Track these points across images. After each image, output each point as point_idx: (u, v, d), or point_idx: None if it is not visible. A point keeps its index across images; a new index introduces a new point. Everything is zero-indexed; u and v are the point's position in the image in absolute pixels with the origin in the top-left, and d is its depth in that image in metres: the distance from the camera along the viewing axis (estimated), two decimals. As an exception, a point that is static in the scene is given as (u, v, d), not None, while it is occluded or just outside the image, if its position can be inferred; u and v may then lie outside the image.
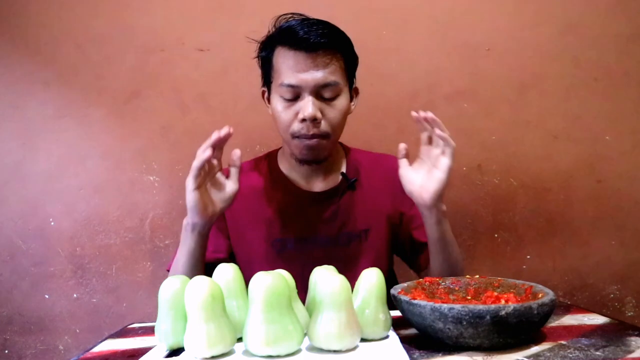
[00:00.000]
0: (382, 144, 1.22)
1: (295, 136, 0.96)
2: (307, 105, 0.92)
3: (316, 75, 0.92)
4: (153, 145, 1.37)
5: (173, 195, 1.36)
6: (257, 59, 1.03)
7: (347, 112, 0.99)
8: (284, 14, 0.99)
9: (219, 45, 1.36)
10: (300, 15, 0.98)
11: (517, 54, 1.38)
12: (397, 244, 1.07)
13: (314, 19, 0.96)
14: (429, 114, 0.86)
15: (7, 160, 1.35)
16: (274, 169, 1.07)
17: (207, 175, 0.87)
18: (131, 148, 1.37)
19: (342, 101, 0.97)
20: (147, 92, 1.37)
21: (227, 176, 0.90)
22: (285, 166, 1.06)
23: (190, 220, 0.87)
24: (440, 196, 0.87)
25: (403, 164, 0.93)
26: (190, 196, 0.84)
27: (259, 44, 1.01)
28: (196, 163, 0.83)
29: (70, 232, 1.35)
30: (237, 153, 0.91)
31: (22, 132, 1.36)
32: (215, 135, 0.84)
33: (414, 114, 0.87)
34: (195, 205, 0.84)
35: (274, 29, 0.99)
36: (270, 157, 1.10)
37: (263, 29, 1.00)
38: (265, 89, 1.03)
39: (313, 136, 0.95)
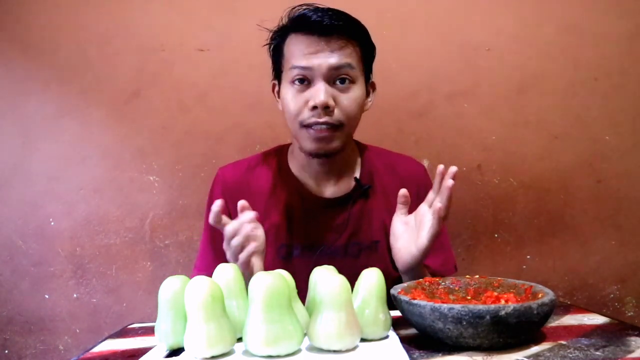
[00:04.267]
0: (382, 144, 1.21)
1: (304, 125, 0.89)
2: (319, 92, 0.86)
3: (329, 59, 0.87)
4: (153, 145, 1.37)
5: (173, 195, 1.36)
6: (268, 50, 0.97)
7: (362, 104, 0.93)
8: (297, 6, 0.93)
9: (219, 45, 1.36)
10: (315, 5, 0.92)
11: (517, 54, 1.38)
12: None
13: (329, 7, 0.91)
14: (453, 170, 0.78)
15: (7, 160, 1.36)
16: (283, 168, 1.01)
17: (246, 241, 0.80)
18: (131, 148, 1.37)
19: (357, 90, 0.91)
20: (147, 92, 1.37)
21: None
22: (296, 166, 1.01)
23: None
24: (412, 267, 0.83)
25: (399, 211, 0.87)
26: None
27: (270, 33, 0.96)
28: (243, 256, 0.77)
29: (70, 232, 1.35)
30: (245, 206, 0.82)
31: (22, 132, 1.36)
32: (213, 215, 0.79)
33: (440, 167, 0.80)
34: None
35: (286, 20, 0.93)
36: (281, 154, 1.04)
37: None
38: (276, 82, 0.98)
39: (324, 124, 0.88)
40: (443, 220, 0.79)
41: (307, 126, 0.89)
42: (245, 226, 0.79)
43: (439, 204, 0.78)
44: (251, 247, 0.78)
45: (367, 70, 0.95)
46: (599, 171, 1.38)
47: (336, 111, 0.88)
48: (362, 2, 1.31)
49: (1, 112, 1.36)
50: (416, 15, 1.37)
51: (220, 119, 1.37)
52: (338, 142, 0.92)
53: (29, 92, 1.36)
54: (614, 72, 1.38)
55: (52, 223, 1.36)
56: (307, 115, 0.89)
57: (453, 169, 0.78)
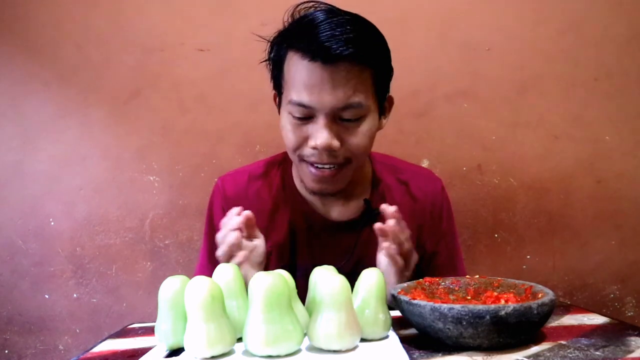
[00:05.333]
0: (382, 144, 1.21)
1: (304, 160, 0.80)
2: (321, 133, 0.75)
3: (335, 95, 0.74)
4: (153, 145, 1.37)
5: (173, 195, 1.36)
6: (267, 65, 0.86)
7: (375, 132, 0.82)
8: (304, 2, 0.81)
9: (219, 45, 1.36)
10: (325, 4, 0.79)
11: (517, 54, 1.38)
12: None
13: (342, 16, 0.76)
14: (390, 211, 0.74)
15: (7, 160, 1.36)
16: (287, 183, 0.93)
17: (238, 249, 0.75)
18: (131, 148, 1.37)
19: (368, 123, 0.79)
20: (147, 92, 1.37)
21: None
22: (300, 182, 0.92)
23: None
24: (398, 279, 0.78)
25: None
26: None
27: (268, 42, 0.84)
28: (222, 249, 0.73)
29: (70, 232, 1.35)
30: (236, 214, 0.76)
31: (22, 132, 1.36)
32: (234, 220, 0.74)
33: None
34: None
35: (290, 20, 0.81)
36: (285, 165, 0.95)
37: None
38: (276, 92, 0.88)
39: (328, 164, 0.78)
40: (403, 256, 0.76)
41: (308, 162, 0.80)
42: (230, 234, 0.73)
43: (384, 242, 0.75)
44: (238, 257, 0.74)
45: (382, 93, 0.84)
46: (599, 171, 1.38)
47: (342, 150, 0.78)
48: (362, 3, 1.31)
49: (1, 112, 1.36)
50: (416, 15, 1.37)
51: (220, 119, 1.37)
52: (344, 182, 0.83)
53: (29, 92, 1.36)
54: (614, 72, 1.38)
55: (52, 223, 1.36)
56: (307, 153, 0.79)
57: (390, 209, 0.74)
